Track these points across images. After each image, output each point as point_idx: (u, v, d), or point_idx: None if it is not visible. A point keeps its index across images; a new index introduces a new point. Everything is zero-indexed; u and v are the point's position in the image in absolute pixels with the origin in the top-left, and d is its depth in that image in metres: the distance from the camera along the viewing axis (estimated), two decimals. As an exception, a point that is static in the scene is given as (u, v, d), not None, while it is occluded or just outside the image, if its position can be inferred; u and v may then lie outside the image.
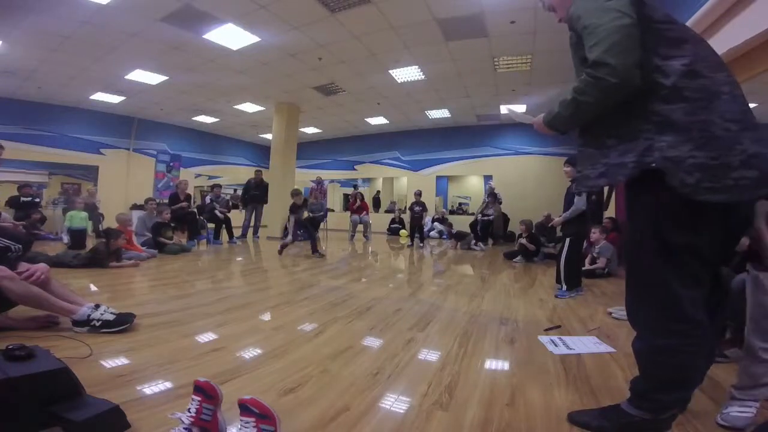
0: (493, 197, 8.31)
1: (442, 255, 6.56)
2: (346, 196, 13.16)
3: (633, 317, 1.16)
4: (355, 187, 12.18)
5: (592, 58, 1.01)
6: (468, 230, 8.29)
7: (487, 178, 10.59)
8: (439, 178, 11.43)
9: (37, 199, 7.40)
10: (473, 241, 7.93)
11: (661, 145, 0.99)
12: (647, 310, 1.11)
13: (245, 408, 0.98)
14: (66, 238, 5.76)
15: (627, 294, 1.17)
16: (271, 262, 5.05)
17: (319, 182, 9.53)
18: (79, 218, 5.86)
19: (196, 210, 7.08)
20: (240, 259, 5.52)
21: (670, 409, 1.10)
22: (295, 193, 5.95)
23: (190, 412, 1.02)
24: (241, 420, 0.98)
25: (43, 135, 8.79)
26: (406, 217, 9.56)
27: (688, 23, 3.02)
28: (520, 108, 1.69)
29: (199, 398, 1.04)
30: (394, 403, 1.31)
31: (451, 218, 10.48)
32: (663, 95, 1.01)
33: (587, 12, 1.07)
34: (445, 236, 8.24)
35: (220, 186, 7.97)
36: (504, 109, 1.66)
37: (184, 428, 1.00)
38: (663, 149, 0.99)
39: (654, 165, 0.99)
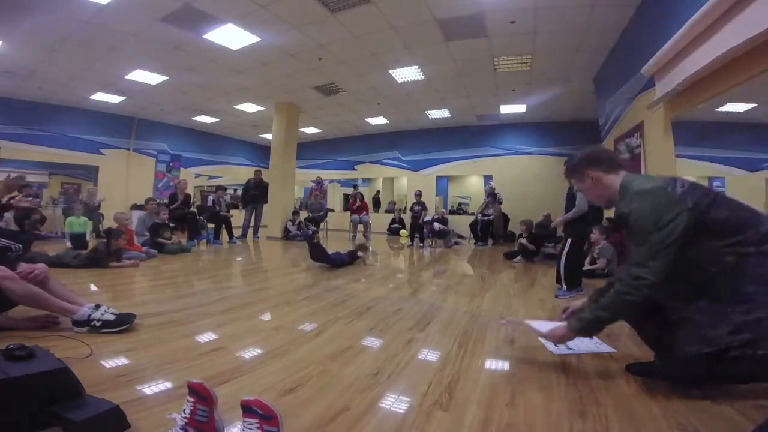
0: (493, 197, 8.32)
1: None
2: (346, 196, 13.16)
3: None
4: (355, 187, 12.17)
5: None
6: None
7: (487, 178, 10.58)
8: (439, 178, 11.43)
9: (37, 199, 7.40)
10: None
11: None
12: None
13: (249, 409, 0.97)
14: (67, 242, 5.78)
15: None
16: (271, 262, 5.05)
17: (319, 182, 9.54)
18: (77, 224, 5.88)
19: (196, 210, 7.08)
20: (240, 259, 5.52)
21: None
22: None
23: (184, 413, 1.03)
24: (244, 421, 0.97)
25: (43, 135, 8.79)
26: (407, 217, 9.56)
27: (689, 23, 3.02)
28: (543, 324, 1.76)
29: (193, 399, 1.04)
30: (394, 403, 1.31)
31: (452, 218, 10.48)
32: None
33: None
34: (427, 234, 8.19)
35: (224, 188, 7.92)
36: (528, 324, 1.75)
37: (179, 428, 1.00)
38: None
39: None
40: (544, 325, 1.66)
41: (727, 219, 1.23)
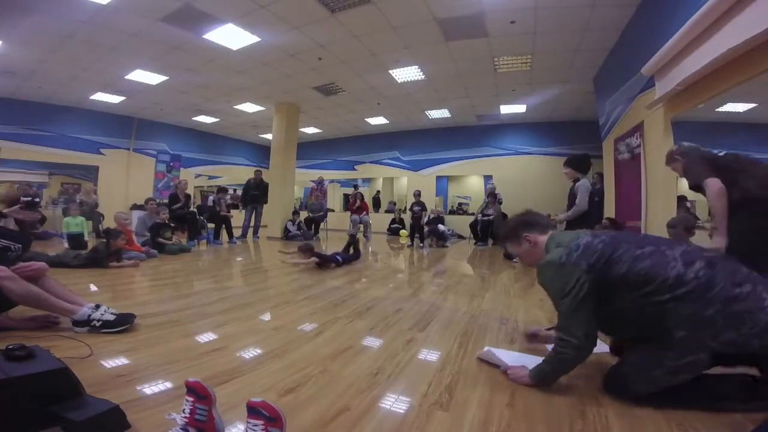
0: (493, 197, 8.32)
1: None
2: (346, 196, 13.16)
3: None
4: (356, 187, 12.15)
5: None
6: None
7: (487, 178, 10.59)
8: (439, 178, 11.43)
9: (37, 199, 7.39)
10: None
11: None
12: None
13: (254, 411, 0.96)
14: (65, 242, 5.78)
15: None
16: (271, 262, 5.05)
17: (320, 182, 9.53)
18: (74, 224, 5.89)
19: (196, 210, 7.08)
20: (240, 259, 5.52)
21: None
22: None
23: (184, 413, 1.02)
24: (248, 422, 0.97)
25: (43, 135, 8.79)
26: (407, 218, 9.55)
27: (689, 23, 3.02)
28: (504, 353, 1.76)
29: (191, 399, 1.04)
30: (394, 403, 1.31)
31: (452, 218, 10.48)
32: None
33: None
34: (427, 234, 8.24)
35: (225, 190, 7.91)
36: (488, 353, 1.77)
37: (180, 429, 1.00)
38: None
39: None
40: (509, 357, 1.66)
41: (627, 274, 1.27)
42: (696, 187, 2.10)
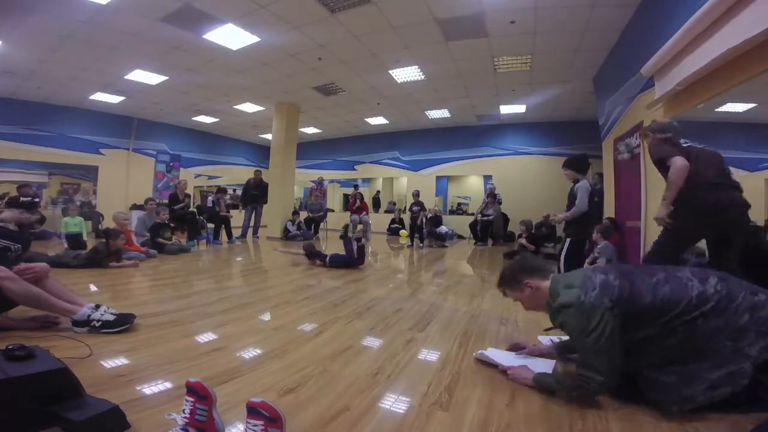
0: (492, 197, 8.32)
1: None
2: (346, 196, 13.15)
3: None
4: (356, 187, 12.12)
5: None
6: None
7: (487, 178, 10.58)
8: (439, 178, 11.43)
9: (37, 200, 7.39)
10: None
11: None
12: None
13: (255, 411, 0.96)
14: (64, 243, 5.78)
15: None
16: (271, 263, 5.05)
17: (320, 182, 9.51)
18: (73, 224, 5.89)
19: (195, 210, 7.07)
20: (240, 259, 5.51)
21: None
22: None
23: (184, 413, 1.02)
24: (248, 422, 0.96)
25: (42, 135, 8.78)
26: (406, 218, 9.55)
27: (688, 23, 3.02)
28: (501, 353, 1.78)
29: (192, 399, 1.04)
30: (394, 403, 1.31)
31: (452, 218, 10.46)
32: None
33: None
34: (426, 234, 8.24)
35: (225, 190, 7.91)
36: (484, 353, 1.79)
37: (180, 429, 1.00)
38: None
39: None
40: (506, 357, 1.67)
41: (653, 302, 1.27)
42: (659, 162, 2.29)
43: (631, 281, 1.33)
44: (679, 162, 2.13)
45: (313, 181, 9.57)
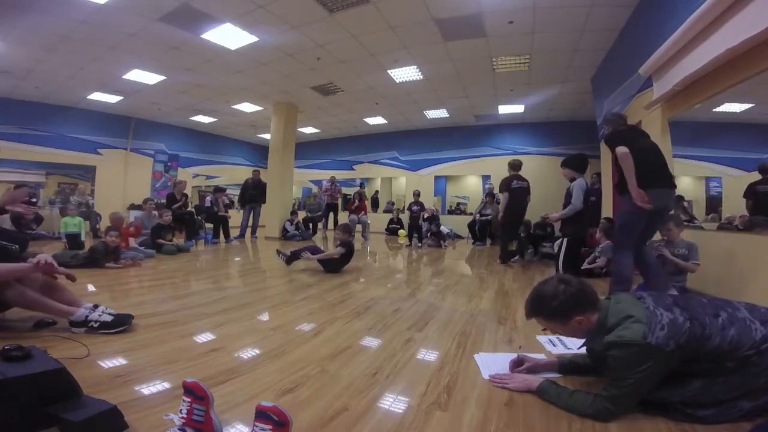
0: (491, 197, 8.32)
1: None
2: (345, 195, 13.10)
3: None
4: (362, 185, 11.89)
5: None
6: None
7: (486, 178, 10.59)
8: (437, 178, 11.44)
9: (34, 199, 7.36)
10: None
11: None
12: None
13: (264, 414, 0.95)
14: (64, 241, 5.77)
15: None
16: (270, 262, 5.04)
17: (332, 182, 9.29)
18: (72, 224, 5.88)
19: (194, 210, 7.06)
20: (238, 259, 5.50)
21: None
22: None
23: (182, 414, 1.02)
24: (255, 425, 0.95)
25: (40, 135, 8.76)
26: (405, 218, 9.54)
27: (686, 23, 3.03)
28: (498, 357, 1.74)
29: (189, 399, 1.03)
30: (393, 403, 1.31)
31: (451, 218, 10.46)
32: None
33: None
34: (425, 234, 8.24)
35: (223, 191, 7.88)
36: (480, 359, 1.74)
37: (177, 429, 1.00)
38: None
39: None
40: (505, 359, 1.63)
41: (720, 346, 1.22)
42: (610, 147, 2.77)
43: (702, 324, 1.24)
44: (621, 150, 2.59)
45: (326, 181, 9.42)
